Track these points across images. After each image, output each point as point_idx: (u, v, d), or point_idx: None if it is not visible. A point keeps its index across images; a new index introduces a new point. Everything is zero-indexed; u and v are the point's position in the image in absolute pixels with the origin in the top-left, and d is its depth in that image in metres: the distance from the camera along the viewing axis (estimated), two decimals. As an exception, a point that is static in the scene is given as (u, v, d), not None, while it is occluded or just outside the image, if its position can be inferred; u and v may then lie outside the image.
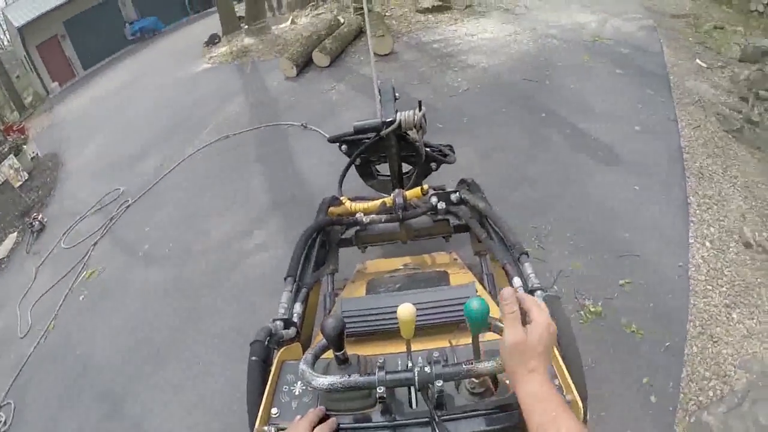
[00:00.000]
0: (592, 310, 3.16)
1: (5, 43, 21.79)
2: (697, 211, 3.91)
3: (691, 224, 3.78)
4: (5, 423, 3.99)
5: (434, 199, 1.89)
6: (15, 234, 7.14)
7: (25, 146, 9.07)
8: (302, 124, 5.88)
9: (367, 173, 2.55)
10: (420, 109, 2.06)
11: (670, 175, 4.28)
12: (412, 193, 2.05)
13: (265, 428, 0.97)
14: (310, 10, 11.20)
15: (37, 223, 6.79)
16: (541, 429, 0.75)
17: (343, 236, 2.11)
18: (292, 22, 10.38)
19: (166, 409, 3.37)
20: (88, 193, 6.93)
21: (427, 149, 2.40)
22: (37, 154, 9.78)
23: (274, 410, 1.01)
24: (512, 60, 6.53)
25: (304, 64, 7.47)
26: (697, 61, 6.38)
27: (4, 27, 19.46)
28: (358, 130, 2.13)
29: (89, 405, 3.67)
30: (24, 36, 16.66)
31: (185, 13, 19.15)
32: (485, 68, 6.43)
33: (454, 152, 2.53)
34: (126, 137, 8.11)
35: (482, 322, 0.87)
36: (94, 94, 12.92)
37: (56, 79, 16.97)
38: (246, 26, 10.93)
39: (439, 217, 1.99)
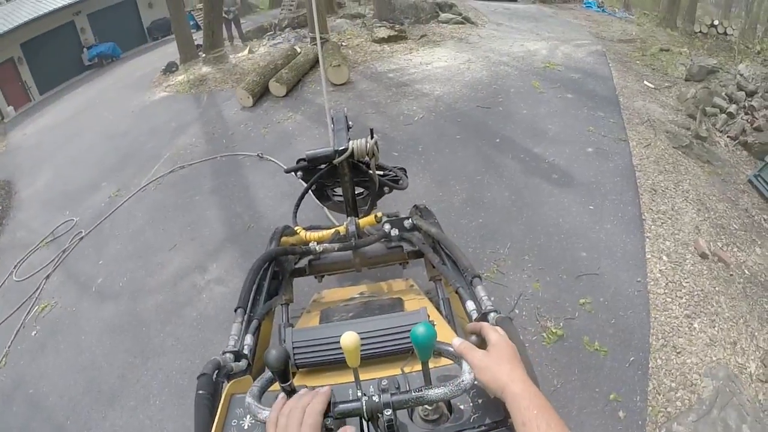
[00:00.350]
0: (554, 331, 3.19)
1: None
2: (652, 227, 4.05)
3: (647, 240, 3.91)
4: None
5: (387, 226, 1.94)
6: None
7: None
8: (258, 154, 6.22)
9: (323, 196, 2.58)
10: (372, 137, 2.11)
11: (623, 193, 4.50)
12: (366, 221, 2.10)
13: None
14: (268, 39, 11.65)
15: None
16: (524, 427, 0.78)
17: (297, 266, 2.12)
18: (250, 51, 10.79)
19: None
20: (41, 223, 7.03)
21: (380, 173, 2.48)
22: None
23: None
24: (466, 88, 7.03)
25: (261, 94, 7.84)
26: (645, 82, 6.97)
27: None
28: (311, 159, 2.17)
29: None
30: None
31: (144, 40, 19.27)
32: (439, 96, 6.88)
33: (407, 176, 2.65)
34: (80, 166, 8.28)
35: (428, 348, 0.88)
36: (49, 121, 12.91)
37: (12, 103, 16.75)
38: (203, 55, 11.25)
39: (393, 244, 2.04)
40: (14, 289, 5.87)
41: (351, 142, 2.09)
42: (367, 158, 2.13)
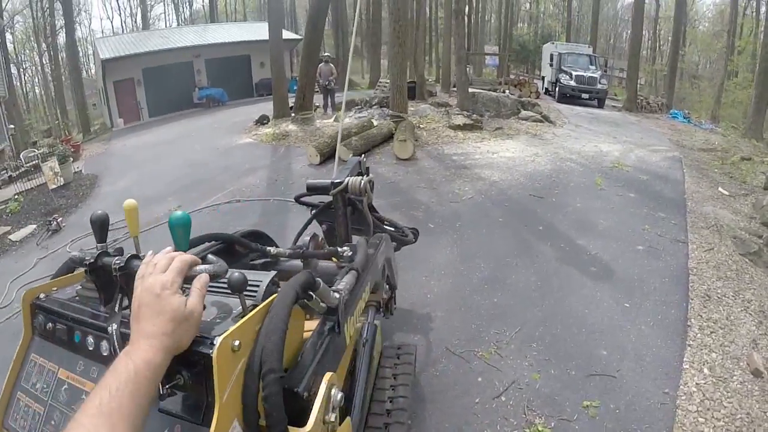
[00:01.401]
0: (540, 429, 2.81)
1: (92, 71, 25.05)
2: (698, 335, 3.65)
3: (688, 348, 3.51)
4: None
5: (342, 248, 1.99)
6: (34, 226, 8.35)
7: (71, 158, 10.63)
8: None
9: (333, 242, 2.58)
10: (366, 175, 2.22)
11: (669, 295, 4.14)
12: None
13: None
14: (355, 112, 13.21)
15: (55, 223, 8.04)
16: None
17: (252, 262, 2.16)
18: (335, 119, 12.27)
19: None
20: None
21: (389, 227, 2.64)
22: (80, 170, 11.40)
23: None
24: (524, 177, 7.43)
25: (329, 156, 8.85)
26: (720, 189, 6.84)
27: (94, 56, 22.63)
28: (310, 188, 2.34)
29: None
30: (105, 69, 19.87)
31: (250, 94, 22.05)
32: (495, 182, 7.30)
33: (417, 236, 2.72)
34: (157, 181, 9.66)
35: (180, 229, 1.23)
36: (149, 139, 14.99)
37: (123, 116, 19.52)
38: (293, 114, 12.85)
39: (344, 264, 2.00)
40: (63, 257, 6.70)
41: (349, 178, 2.22)
42: (363, 197, 2.26)
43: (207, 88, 21.60)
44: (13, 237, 8.21)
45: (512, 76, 22.72)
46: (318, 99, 14.92)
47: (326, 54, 14.76)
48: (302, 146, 10.28)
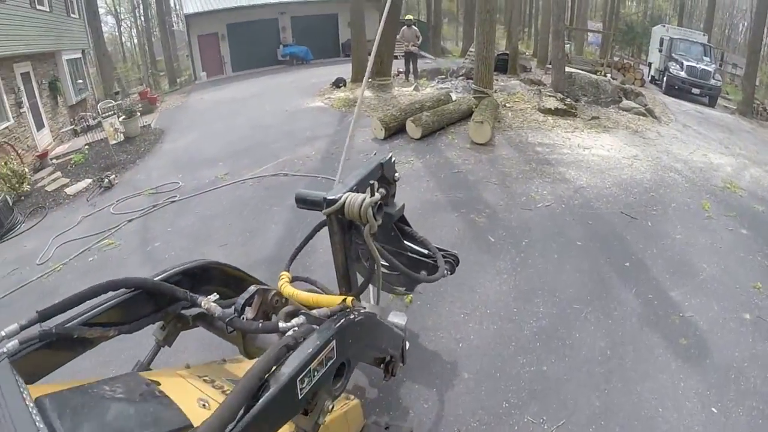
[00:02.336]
0: None
1: (179, 25, 25.88)
2: None
3: None
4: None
5: (283, 324, 1.46)
6: (89, 181, 8.44)
7: (138, 114, 10.73)
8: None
9: (352, 255, 2.23)
10: (372, 194, 1.74)
11: None
12: (326, 300, 1.73)
13: None
14: (438, 82, 12.20)
15: (107, 181, 8.04)
16: None
17: (183, 311, 1.81)
18: (415, 88, 11.43)
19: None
20: (159, 175, 8.20)
21: (418, 253, 2.36)
22: (149, 125, 11.54)
23: None
24: (617, 186, 6.16)
25: (397, 131, 8.09)
26: None
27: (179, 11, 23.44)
28: (299, 200, 1.97)
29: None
30: (189, 24, 20.40)
31: (336, 54, 21.56)
32: (581, 187, 6.11)
33: (454, 267, 2.30)
34: (215, 142, 9.55)
35: None
36: (225, 95, 15.10)
37: (206, 69, 19.98)
38: (370, 79, 12.13)
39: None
40: (106, 218, 6.95)
41: (347, 194, 1.78)
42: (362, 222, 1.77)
43: (291, 45, 21.52)
44: (68, 191, 8.37)
45: (616, 59, 19.79)
46: (398, 64, 14.14)
47: (409, 16, 13.73)
48: (372, 116, 9.54)
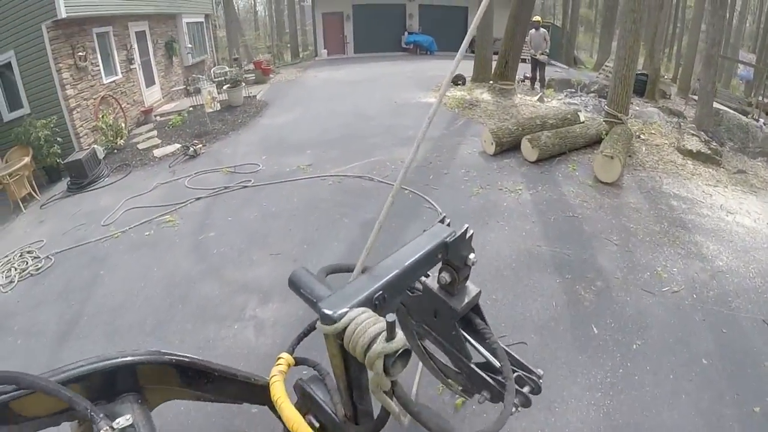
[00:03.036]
0: None
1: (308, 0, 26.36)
2: None
3: None
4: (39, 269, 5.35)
5: None
6: (178, 146, 8.35)
7: (243, 84, 10.63)
8: (441, 217, 5.32)
9: (420, 352, 1.85)
10: (392, 333, 1.10)
11: None
12: None
13: None
14: (566, 96, 10.90)
15: (192, 150, 7.87)
16: None
17: None
18: (540, 99, 10.25)
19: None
20: (243, 153, 7.92)
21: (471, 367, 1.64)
22: (254, 96, 11.46)
23: None
24: (763, 277, 4.62)
25: (510, 147, 7.05)
26: None
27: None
28: (291, 284, 1.31)
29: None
30: (315, 1, 20.59)
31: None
32: (720, 271, 4.60)
33: (528, 399, 1.58)
34: (312, 126, 9.17)
35: None
36: (337, 76, 14.85)
37: (328, 47, 20.03)
38: (491, 82, 11.18)
39: None
40: (178, 190, 6.82)
41: (355, 311, 1.15)
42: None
43: (416, 33, 20.96)
44: (156, 152, 8.37)
45: (767, 100, 16.30)
46: (524, 69, 12.96)
47: (537, 18, 12.40)
48: (485, 123, 8.56)
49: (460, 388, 2.06)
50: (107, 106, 9.49)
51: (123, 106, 10.06)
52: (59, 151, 8.23)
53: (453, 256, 1.42)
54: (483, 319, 1.67)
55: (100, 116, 8.88)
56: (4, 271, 5.45)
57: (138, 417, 1.08)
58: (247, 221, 5.58)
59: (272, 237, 5.15)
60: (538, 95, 10.70)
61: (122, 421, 1.05)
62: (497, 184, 6.10)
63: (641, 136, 8.02)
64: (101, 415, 1.01)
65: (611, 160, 6.02)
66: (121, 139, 8.97)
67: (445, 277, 1.37)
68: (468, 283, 1.56)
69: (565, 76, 14.64)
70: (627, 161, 6.64)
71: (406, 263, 1.29)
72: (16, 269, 5.43)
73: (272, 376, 1.24)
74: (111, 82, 9.99)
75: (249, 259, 4.79)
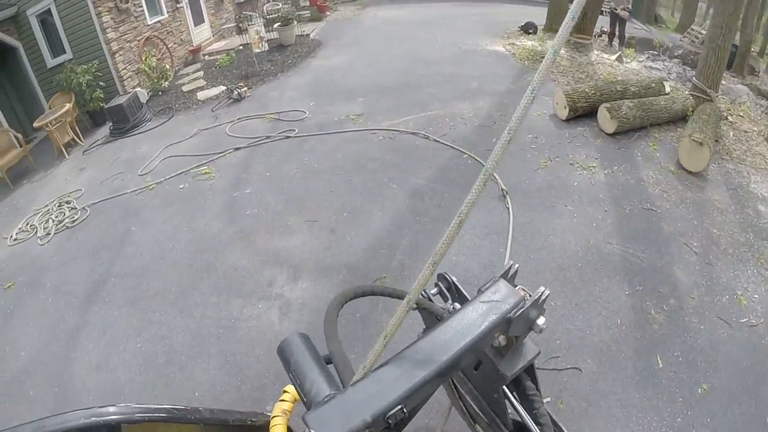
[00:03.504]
0: None
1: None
2: None
3: None
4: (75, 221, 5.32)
5: None
6: (223, 89, 8.01)
7: (295, 22, 10.05)
8: (502, 192, 4.65)
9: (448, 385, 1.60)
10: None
11: None
12: None
13: None
14: (647, 58, 9.71)
15: (236, 93, 7.50)
16: None
17: None
18: (618, 59, 9.10)
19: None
20: (289, 98, 7.49)
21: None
22: (307, 35, 10.89)
23: None
24: None
25: (584, 113, 6.23)
26: None
27: None
28: (280, 353, 1.12)
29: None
30: None
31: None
32: None
33: None
34: (366, 70, 8.53)
35: None
36: (399, 15, 13.88)
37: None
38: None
39: None
40: (218, 137, 6.55)
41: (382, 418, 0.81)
42: None
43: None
44: (200, 95, 8.10)
45: None
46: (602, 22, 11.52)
47: None
48: (558, 81, 7.63)
49: None
50: (152, 47, 9.21)
51: (169, 46, 9.76)
52: (102, 95, 8.11)
53: (518, 327, 1.04)
54: (535, 381, 1.30)
55: (144, 58, 8.61)
56: (42, 222, 5.45)
57: None
58: (286, 178, 5.20)
59: (311, 199, 4.75)
60: (617, 54, 9.51)
61: None
62: (568, 156, 5.35)
63: (728, 117, 6.90)
64: None
65: (700, 147, 5.12)
66: (165, 81, 8.71)
67: (500, 340, 1.05)
68: (527, 339, 1.18)
69: (645, 36, 13.08)
70: (714, 147, 5.66)
71: (444, 358, 0.90)
72: (53, 221, 5.41)
73: (273, 417, 1.06)
74: (156, 23, 9.66)
75: (283, 224, 4.44)
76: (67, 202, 5.70)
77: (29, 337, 3.91)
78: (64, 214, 5.45)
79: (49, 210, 5.68)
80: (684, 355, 3.14)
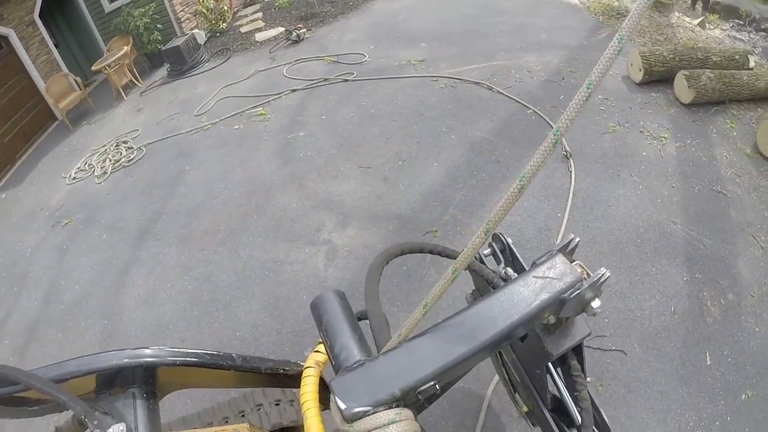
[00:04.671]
0: None
1: None
2: None
3: None
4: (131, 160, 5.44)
5: None
6: (281, 30, 7.87)
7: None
8: (565, 153, 4.33)
9: (498, 361, 1.66)
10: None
11: None
12: None
13: None
14: (731, 27, 8.77)
15: (295, 34, 7.36)
16: None
17: None
18: (701, 24, 8.26)
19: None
20: (352, 40, 7.18)
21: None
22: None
23: None
24: None
25: (660, 78, 5.69)
26: None
27: None
28: (313, 308, 1.11)
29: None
30: None
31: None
32: None
33: None
34: (429, 14, 8.10)
35: None
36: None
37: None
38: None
39: None
40: (276, 78, 6.47)
41: (380, 417, 0.73)
42: None
43: None
44: (258, 36, 7.98)
45: None
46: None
47: None
48: (634, 41, 6.99)
49: (526, 410, 1.69)
50: (212, -14, 9.13)
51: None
52: (159, 37, 8.17)
53: (570, 308, 0.95)
54: (582, 361, 1.23)
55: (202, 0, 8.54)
56: (100, 162, 5.60)
57: (140, 419, 0.96)
58: (342, 122, 5.05)
59: (365, 145, 4.59)
60: (700, 19, 8.62)
61: (115, 430, 0.94)
62: (638, 123, 4.89)
63: None
64: (94, 423, 0.91)
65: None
66: (224, 22, 8.64)
67: (550, 318, 0.99)
68: (578, 318, 1.10)
69: (732, 2, 11.83)
70: None
71: (486, 336, 0.85)
72: (110, 160, 5.56)
73: (306, 368, 1.02)
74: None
75: (336, 168, 4.32)
76: (124, 142, 5.83)
77: (83, 271, 4.06)
78: (121, 154, 5.58)
79: (106, 150, 5.83)
80: (734, 356, 2.87)
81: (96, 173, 5.40)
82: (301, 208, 3.94)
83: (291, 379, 1.19)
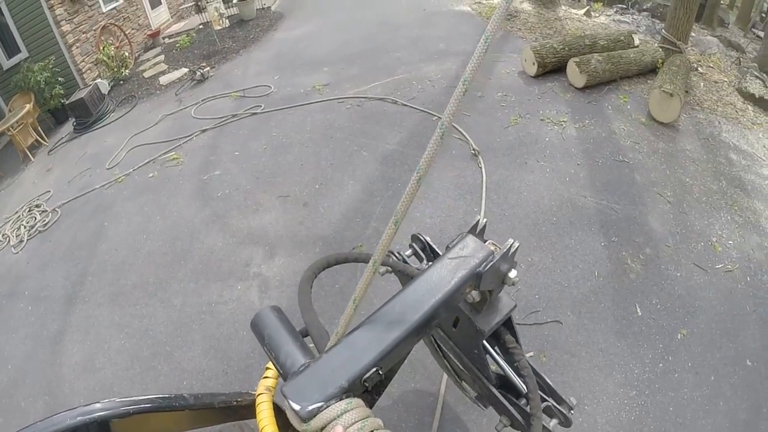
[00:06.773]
0: None
1: None
2: None
3: None
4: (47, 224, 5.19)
5: None
6: (185, 71, 7.82)
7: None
8: (473, 151, 4.62)
9: (430, 343, 1.71)
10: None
11: None
12: None
13: None
14: (615, 12, 9.55)
15: (199, 74, 7.30)
16: None
17: None
18: (587, 14, 8.94)
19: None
20: (255, 73, 7.34)
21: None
22: (268, 7, 10.55)
23: None
24: None
25: (554, 68, 6.14)
26: None
27: None
28: (254, 327, 1.13)
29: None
30: None
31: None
32: None
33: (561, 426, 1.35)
34: (328, 39, 8.30)
35: None
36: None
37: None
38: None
39: None
40: (184, 120, 6.42)
41: (333, 409, 0.78)
42: None
43: None
44: (162, 80, 7.87)
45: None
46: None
47: None
48: (525, 38, 7.50)
49: (475, 395, 1.78)
50: (110, 35, 8.86)
51: (127, 33, 9.39)
52: (62, 91, 7.80)
53: (488, 281, 1.05)
54: (514, 334, 1.32)
55: (102, 48, 8.29)
56: (14, 230, 5.32)
57: None
58: (255, 155, 5.09)
59: (281, 175, 4.66)
60: (585, 9, 9.34)
61: None
62: (538, 113, 5.28)
63: (699, 69, 6.84)
64: None
65: (670, 98, 5.08)
66: (126, 69, 8.43)
67: (474, 296, 1.09)
68: (502, 294, 1.22)
69: None
70: (684, 98, 5.64)
71: (415, 317, 0.93)
72: (25, 227, 5.28)
73: (258, 395, 1.03)
74: (111, 10, 9.23)
75: (255, 202, 4.36)
76: (37, 206, 5.55)
77: (14, 348, 3.84)
78: (35, 219, 5.31)
79: (19, 216, 5.52)
80: (662, 302, 3.18)
81: (12, 243, 5.12)
82: (227, 246, 3.94)
83: (245, 409, 1.19)
